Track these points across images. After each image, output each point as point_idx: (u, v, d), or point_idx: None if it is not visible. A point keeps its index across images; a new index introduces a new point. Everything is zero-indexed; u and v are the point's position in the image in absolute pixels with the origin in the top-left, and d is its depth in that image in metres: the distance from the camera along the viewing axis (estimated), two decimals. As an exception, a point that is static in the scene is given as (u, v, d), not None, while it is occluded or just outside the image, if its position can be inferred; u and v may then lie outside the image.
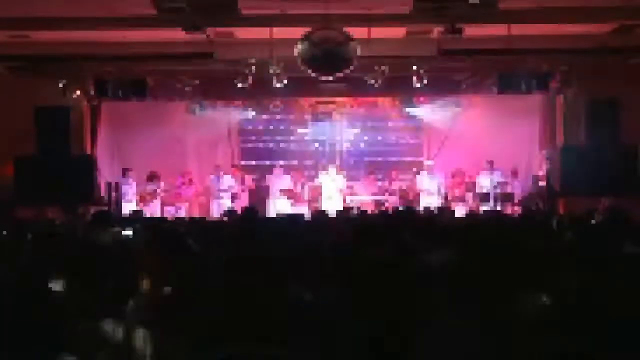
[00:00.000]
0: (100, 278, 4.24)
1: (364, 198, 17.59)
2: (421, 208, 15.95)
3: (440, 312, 3.84)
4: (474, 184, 17.27)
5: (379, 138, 19.34)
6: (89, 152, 16.11)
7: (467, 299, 3.83)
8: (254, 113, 18.68)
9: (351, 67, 13.29)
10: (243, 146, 19.23)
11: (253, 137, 19.32)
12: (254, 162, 19.18)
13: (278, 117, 19.12)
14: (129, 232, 7.26)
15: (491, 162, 16.95)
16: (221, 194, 17.09)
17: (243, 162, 18.97)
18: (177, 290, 4.45)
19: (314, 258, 5.35)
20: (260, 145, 19.35)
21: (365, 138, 19.34)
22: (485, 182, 16.92)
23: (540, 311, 3.91)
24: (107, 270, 4.36)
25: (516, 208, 16.31)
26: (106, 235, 7.14)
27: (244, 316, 3.36)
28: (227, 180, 17.29)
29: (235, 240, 6.57)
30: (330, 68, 13.38)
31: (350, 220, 10.21)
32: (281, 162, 18.61)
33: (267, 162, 18.90)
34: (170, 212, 16.29)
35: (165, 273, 4.63)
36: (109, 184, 15.25)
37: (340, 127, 19.29)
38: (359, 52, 12.98)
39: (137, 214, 11.27)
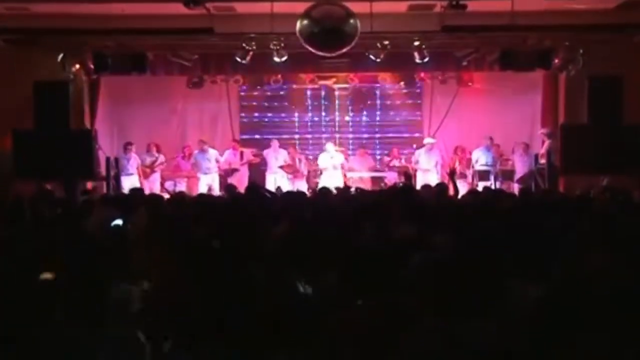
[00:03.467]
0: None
1: (362, 174, 17.75)
2: (418, 185, 16.05)
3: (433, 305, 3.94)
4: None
5: (379, 113, 19.56)
6: (88, 126, 16.08)
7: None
8: (254, 87, 18.87)
9: (352, 44, 13.05)
10: (243, 120, 19.42)
11: (253, 112, 19.52)
12: (254, 136, 19.39)
13: (278, 91, 19.26)
14: (119, 222, 6.87)
15: (490, 138, 17.10)
16: (206, 169, 17.22)
17: (243, 136, 19.18)
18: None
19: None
20: (260, 119, 19.55)
21: (365, 113, 19.57)
22: (482, 159, 17.03)
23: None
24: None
25: (516, 186, 16.44)
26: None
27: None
28: (213, 155, 17.41)
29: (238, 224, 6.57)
30: (331, 46, 13.22)
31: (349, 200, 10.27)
32: (282, 136, 18.92)
33: (267, 137, 19.06)
34: (169, 187, 16.43)
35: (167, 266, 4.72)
36: (107, 159, 15.28)
37: (340, 102, 19.42)
38: (360, 29, 12.72)
39: (136, 192, 11.21)
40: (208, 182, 16.92)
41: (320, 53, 13.79)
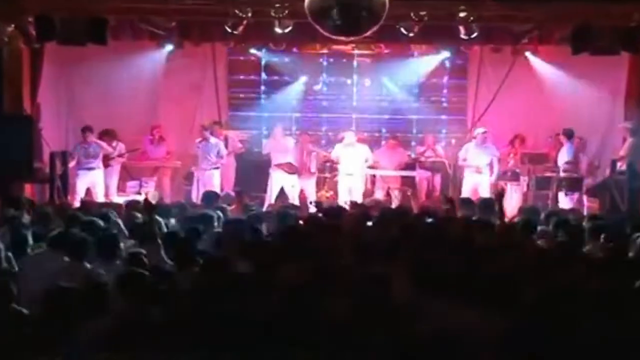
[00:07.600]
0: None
1: (389, 173, 15.90)
2: (464, 189, 15.27)
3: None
4: (531, 155, 15.74)
5: (409, 91, 17.49)
6: (28, 110, 14.43)
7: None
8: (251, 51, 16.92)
9: (377, 27, 11.64)
10: (232, 97, 17.49)
11: (246, 87, 17.59)
12: (246, 114, 17.46)
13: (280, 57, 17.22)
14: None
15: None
16: (203, 164, 15.27)
17: (233, 113, 17.42)
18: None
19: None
20: (256, 96, 17.60)
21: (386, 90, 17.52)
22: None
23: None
24: None
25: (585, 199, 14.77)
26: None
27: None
28: (214, 146, 15.38)
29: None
30: (349, 27, 11.70)
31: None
32: (284, 114, 17.10)
33: (263, 115, 17.29)
34: (133, 189, 14.78)
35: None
36: (52, 154, 13.69)
37: (360, 75, 17.45)
38: (387, 5, 11.16)
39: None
40: (204, 181, 15.10)
41: (335, 37, 12.80)
